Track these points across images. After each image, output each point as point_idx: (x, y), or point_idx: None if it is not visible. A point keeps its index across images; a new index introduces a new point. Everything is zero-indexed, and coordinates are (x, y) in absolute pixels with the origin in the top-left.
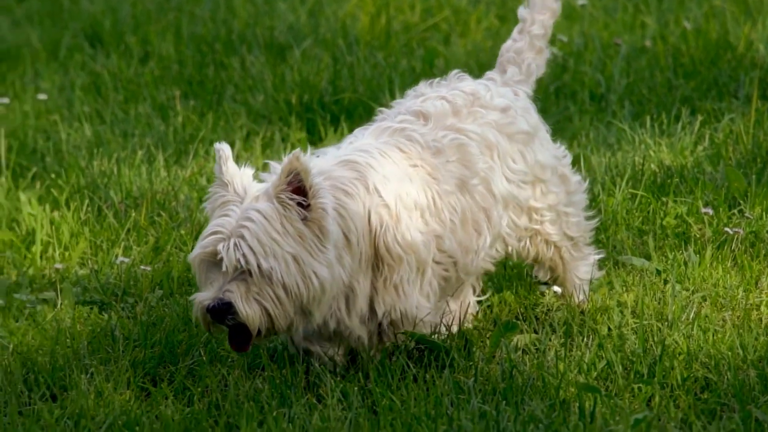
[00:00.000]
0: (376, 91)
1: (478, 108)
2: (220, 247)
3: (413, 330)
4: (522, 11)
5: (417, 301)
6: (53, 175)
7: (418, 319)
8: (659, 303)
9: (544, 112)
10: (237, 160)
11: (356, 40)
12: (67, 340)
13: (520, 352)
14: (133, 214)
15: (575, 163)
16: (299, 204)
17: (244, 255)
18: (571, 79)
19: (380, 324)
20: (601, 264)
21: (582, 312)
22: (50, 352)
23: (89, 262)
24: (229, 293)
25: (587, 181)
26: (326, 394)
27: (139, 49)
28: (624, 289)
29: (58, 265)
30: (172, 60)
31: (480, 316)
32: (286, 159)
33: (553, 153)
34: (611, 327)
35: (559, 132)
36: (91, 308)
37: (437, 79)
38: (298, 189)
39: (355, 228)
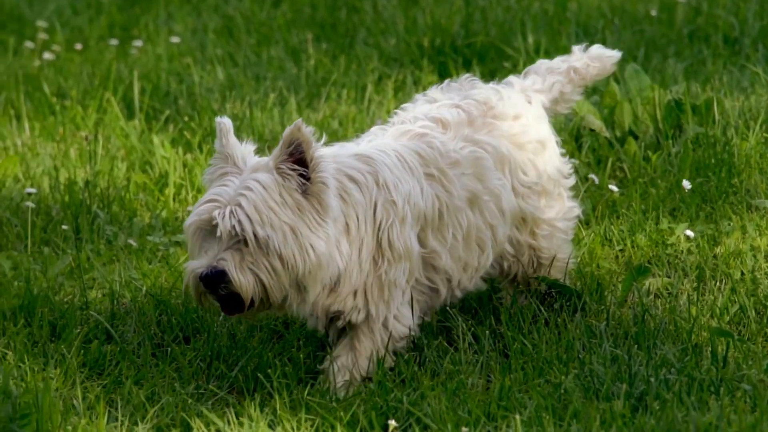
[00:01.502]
0: (509, 35)
1: (491, 119)
2: (215, 213)
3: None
4: (576, 48)
5: (397, 310)
6: (186, 118)
7: (396, 331)
8: None
9: (677, 55)
10: (369, 103)
11: None
12: None
13: (652, 296)
14: None
15: (708, 106)
16: (300, 175)
17: (239, 222)
18: (704, 22)
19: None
20: (731, 209)
21: (714, 256)
22: (183, 295)
23: None
24: (223, 261)
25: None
26: (458, 338)
27: None
28: (757, 233)
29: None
30: (304, 3)
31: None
32: (287, 129)
33: (559, 167)
34: (744, 271)
35: (692, 75)
36: None
37: (446, 82)
38: (300, 160)
39: (355, 215)
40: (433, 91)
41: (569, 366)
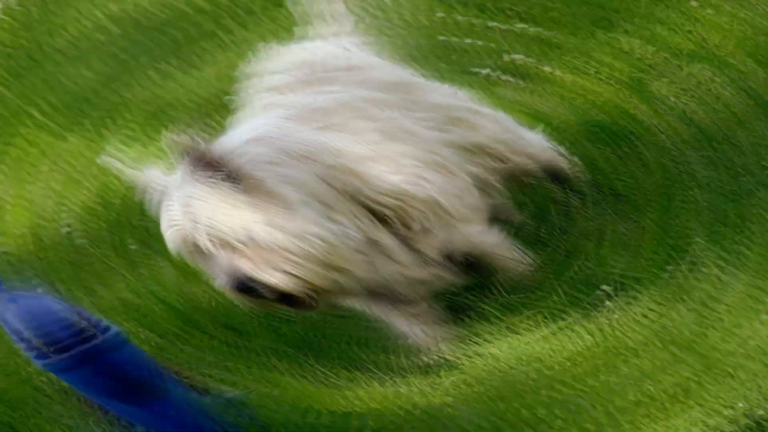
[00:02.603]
0: None
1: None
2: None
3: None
4: None
5: (463, 230)
6: None
7: (482, 242)
8: None
9: None
10: None
11: None
12: None
13: None
14: None
15: None
16: (225, 178)
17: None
18: None
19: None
20: None
21: None
22: None
23: None
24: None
25: None
26: None
27: None
28: None
29: None
30: None
31: None
32: (170, 143)
33: None
34: None
35: None
36: None
37: None
38: (209, 164)
39: (310, 192)
40: None
41: None
